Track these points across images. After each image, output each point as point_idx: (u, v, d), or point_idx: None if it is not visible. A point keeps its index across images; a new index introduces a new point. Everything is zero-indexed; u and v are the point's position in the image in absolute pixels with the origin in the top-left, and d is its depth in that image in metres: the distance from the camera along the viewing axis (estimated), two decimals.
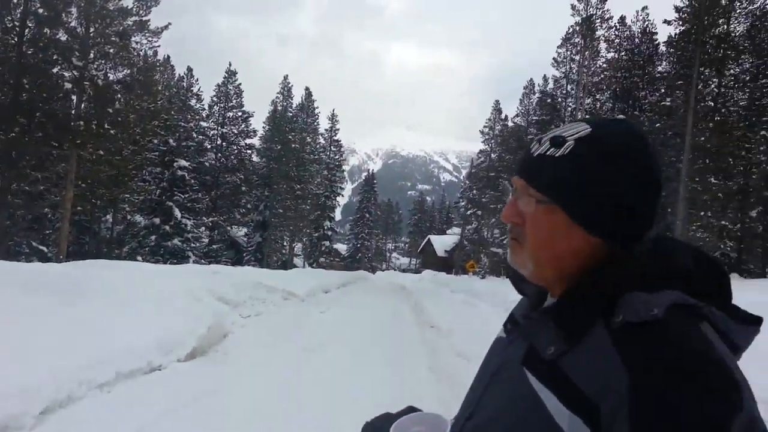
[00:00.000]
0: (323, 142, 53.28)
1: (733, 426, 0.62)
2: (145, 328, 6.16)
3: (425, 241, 68.66)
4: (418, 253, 73.69)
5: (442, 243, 62.21)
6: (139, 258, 28.83)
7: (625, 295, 0.73)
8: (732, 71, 30.17)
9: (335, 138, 53.23)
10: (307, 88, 53.23)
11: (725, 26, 29.06)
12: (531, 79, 45.45)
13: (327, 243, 47.95)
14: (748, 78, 30.53)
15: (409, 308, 14.16)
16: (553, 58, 38.57)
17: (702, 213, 27.65)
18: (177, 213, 31.90)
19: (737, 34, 29.73)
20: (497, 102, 50.24)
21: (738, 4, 29.66)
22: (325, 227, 47.58)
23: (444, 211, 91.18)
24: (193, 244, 33.40)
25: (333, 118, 53.38)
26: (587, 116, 25.03)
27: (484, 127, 48.91)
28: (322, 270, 26.27)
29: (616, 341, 0.70)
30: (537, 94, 43.51)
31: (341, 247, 71.18)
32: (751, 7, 29.93)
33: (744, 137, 28.82)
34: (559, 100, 39.61)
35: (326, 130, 53.42)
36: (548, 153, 0.81)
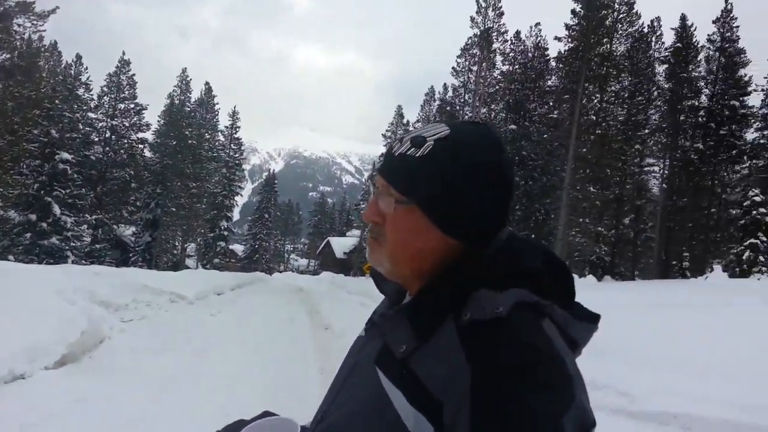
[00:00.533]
0: (223, 139, 51.94)
1: (565, 418, 0.65)
2: (8, 333, 5.64)
3: (324, 242, 68.40)
4: (317, 254, 73.27)
5: (342, 245, 62.27)
6: (11, 257, 26.46)
7: (476, 293, 0.75)
8: (613, 88, 32.72)
9: (236, 135, 51.77)
10: (207, 83, 51.68)
11: (608, 46, 31.47)
12: (432, 87, 47.01)
13: (223, 243, 46.43)
14: (626, 95, 33.34)
15: (304, 310, 14.01)
16: (453, 68, 39.96)
17: (581, 219, 29.74)
18: (56, 209, 29.65)
19: (618, 54, 32.32)
20: (400, 107, 51.34)
21: (620, 26, 32.25)
22: (222, 227, 46.10)
23: (345, 213, 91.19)
24: (73, 243, 31.22)
25: (234, 115, 51.90)
26: None
27: (387, 131, 49.70)
28: (215, 271, 25.34)
29: (463, 339, 0.71)
30: (437, 102, 44.94)
31: (238, 248, 69.39)
32: (630, 30, 32.71)
33: (621, 150, 31.43)
34: (458, 108, 41.02)
35: (226, 127, 52.04)
36: (409, 153, 0.81)
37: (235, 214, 60.04)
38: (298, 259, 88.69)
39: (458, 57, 39.57)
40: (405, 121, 50.18)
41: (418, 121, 45.80)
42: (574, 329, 0.79)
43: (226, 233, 46.80)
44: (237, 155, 51.49)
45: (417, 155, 0.80)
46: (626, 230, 35.05)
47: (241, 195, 51.15)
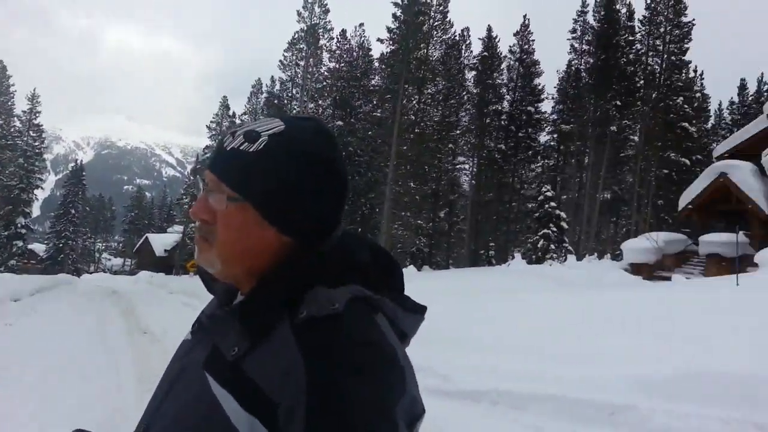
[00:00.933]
0: (19, 125, 46.77)
1: (397, 408, 0.68)
2: None
3: (142, 240, 63.77)
4: (134, 253, 68.05)
5: (162, 242, 58.58)
6: None
7: (311, 290, 0.75)
8: (429, 90, 35.16)
9: (35, 122, 46.95)
10: (0, 61, 45.44)
11: (425, 51, 33.66)
12: (259, 79, 46.11)
13: (20, 243, 41.37)
14: (441, 98, 36.16)
15: (119, 314, 12.99)
16: (280, 61, 39.62)
17: (403, 213, 31.62)
18: None
19: (434, 59, 34.81)
20: (225, 98, 49.65)
21: (435, 32, 34.69)
22: (19, 225, 41.08)
23: (165, 207, 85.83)
24: None
25: (33, 99, 46.84)
26: None
27: (212, 122, 47.79)
28: (11, 275, 22.43)
29: (298, 337, 0.71)
30: (264, 95, 44.26)
31: (39, 248, 62.13)
32: (444, 37, 35.42)
33: (436, 148, 34.05)
34: (285, 102, 40.81)
35: (24, 111, 46.91)
36: (242, 148, 0.78)
37: (35, 210, 53.66)
38: (112, 259, 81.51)
39: (285, 51, 39.28)
40: (231, 112, 48.68)
41: (244, 113, 44.67)
42: (404, 321, 0.82)
43: (23, 231, 42.14)
44: (37, 143, 47.17)
45: (251, 150, 0.78)
46: (441, 223, 38.30)
47: (42, 188, 46.10)
